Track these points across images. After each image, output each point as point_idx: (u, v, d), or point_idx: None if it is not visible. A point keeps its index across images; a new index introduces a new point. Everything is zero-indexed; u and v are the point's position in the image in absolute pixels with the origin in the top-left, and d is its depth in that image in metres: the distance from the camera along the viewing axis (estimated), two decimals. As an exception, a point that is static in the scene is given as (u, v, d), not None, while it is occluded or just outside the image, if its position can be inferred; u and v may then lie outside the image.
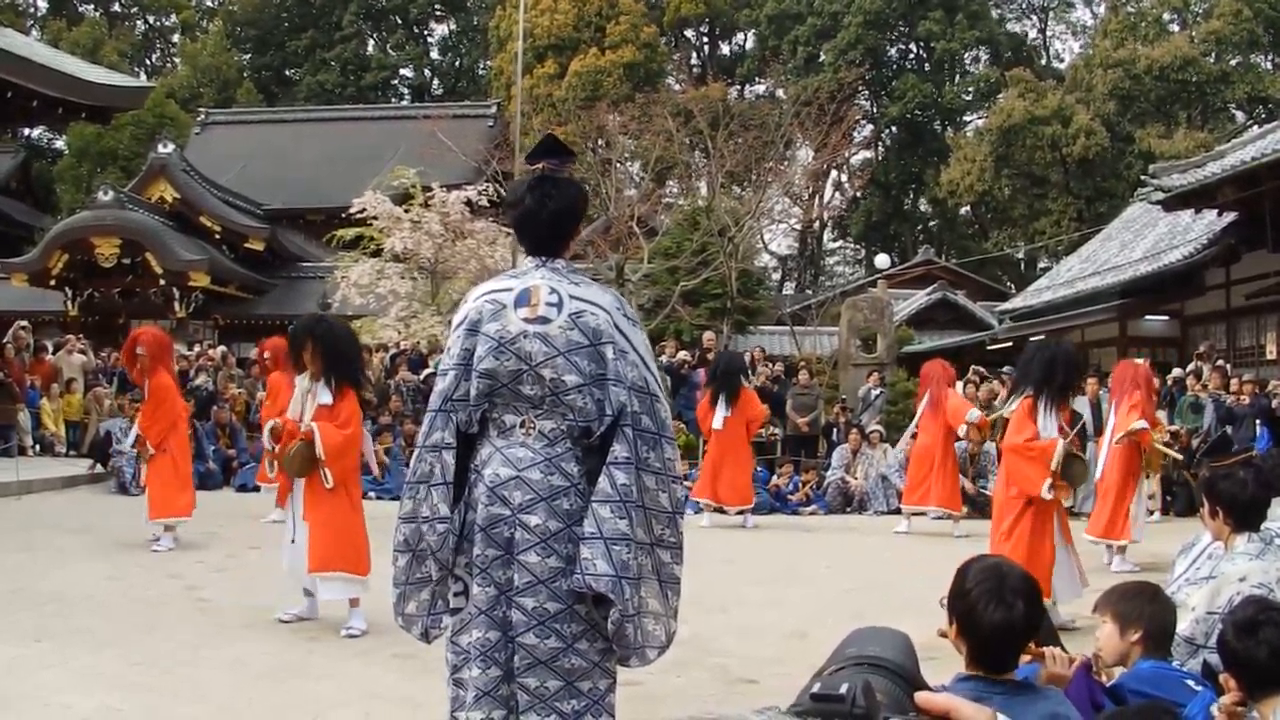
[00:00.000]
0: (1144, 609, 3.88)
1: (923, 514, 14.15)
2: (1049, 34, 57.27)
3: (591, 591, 3.52)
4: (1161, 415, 16.63)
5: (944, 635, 2.99)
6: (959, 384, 19.71)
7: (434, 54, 61.86)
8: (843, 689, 1.20)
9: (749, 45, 54.75)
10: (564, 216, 3.83)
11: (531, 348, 3.62)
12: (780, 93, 40.48)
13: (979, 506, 15.94)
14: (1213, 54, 41.38)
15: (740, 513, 14.39)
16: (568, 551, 3.55)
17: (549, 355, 3.61)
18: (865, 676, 1.32)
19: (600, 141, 28.63)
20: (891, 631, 1.59)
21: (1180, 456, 14.59)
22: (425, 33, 61.42)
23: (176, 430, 11.26)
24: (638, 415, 3.61)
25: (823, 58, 46.51)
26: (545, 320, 3.64)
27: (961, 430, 14.05)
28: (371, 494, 13.97)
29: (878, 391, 19.75)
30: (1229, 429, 16.60)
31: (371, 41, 59.17)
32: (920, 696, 1.39)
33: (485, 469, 3.65)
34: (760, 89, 50.96)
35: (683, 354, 20.62)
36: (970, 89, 51.03)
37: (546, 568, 3.54)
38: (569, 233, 3.91)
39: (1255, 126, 31.39)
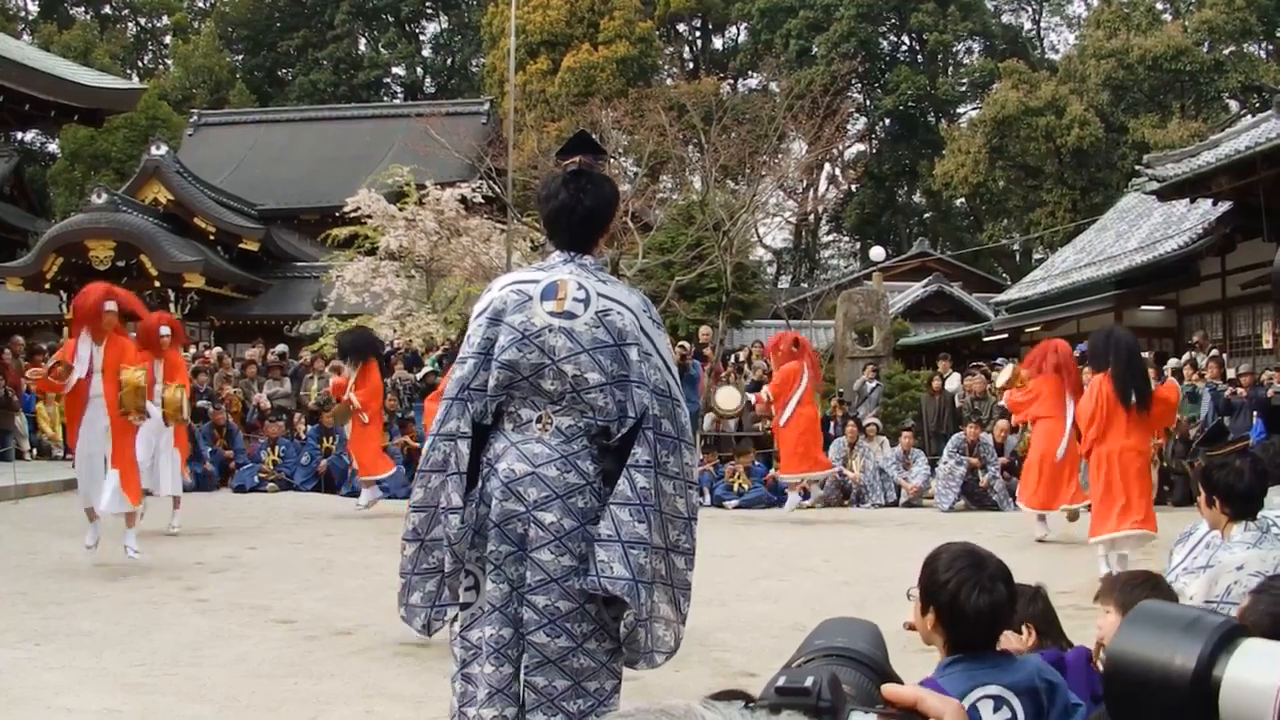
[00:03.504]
0: (1147, 599, 3.87)
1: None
2: (1043, 25, 57.31)
3: (606, 594, 3.50)
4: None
5: (911, 628, 2.99)
6: (956, 375, 19.80)
7: (426, 52, 61.81)
8: (808, 681, 1.18)
9: (741, 39, 54.72)
10: (599, 213, 3.81)
11: (556, 342, 3.59)
12: (773, 86, 40.37)
13: (976, 498, 16.00)
14: (1206, 43, 41.36)
15: None
16: (581, 550, 3.53)
17: (573, 351, 3.58)
18: (832, 668, 1.30)
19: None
20: (860, 622, 1.58)
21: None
22: (417, 31, 61.35)
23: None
24: (659, 419, 3.58)
25: (815, 51, 46.50)
26: (571, 315, 3.61)
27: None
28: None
29: (873, 384, 19.76)
30: (1226, 419, 16.63)
31: (363, 40, 59.15)
32: (887, 689, 1.38)
33: (499, 463, 3.61)
34: (753, 82, 50.92)
35: (681, 346, 20.63)
36: (964, 81, 51.04)
37: (560, 566, 3.52)
38: (602, 229, 3.89)
39: (1249, 115, 31.33)
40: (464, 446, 3.65)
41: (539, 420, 3.63)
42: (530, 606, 3.53)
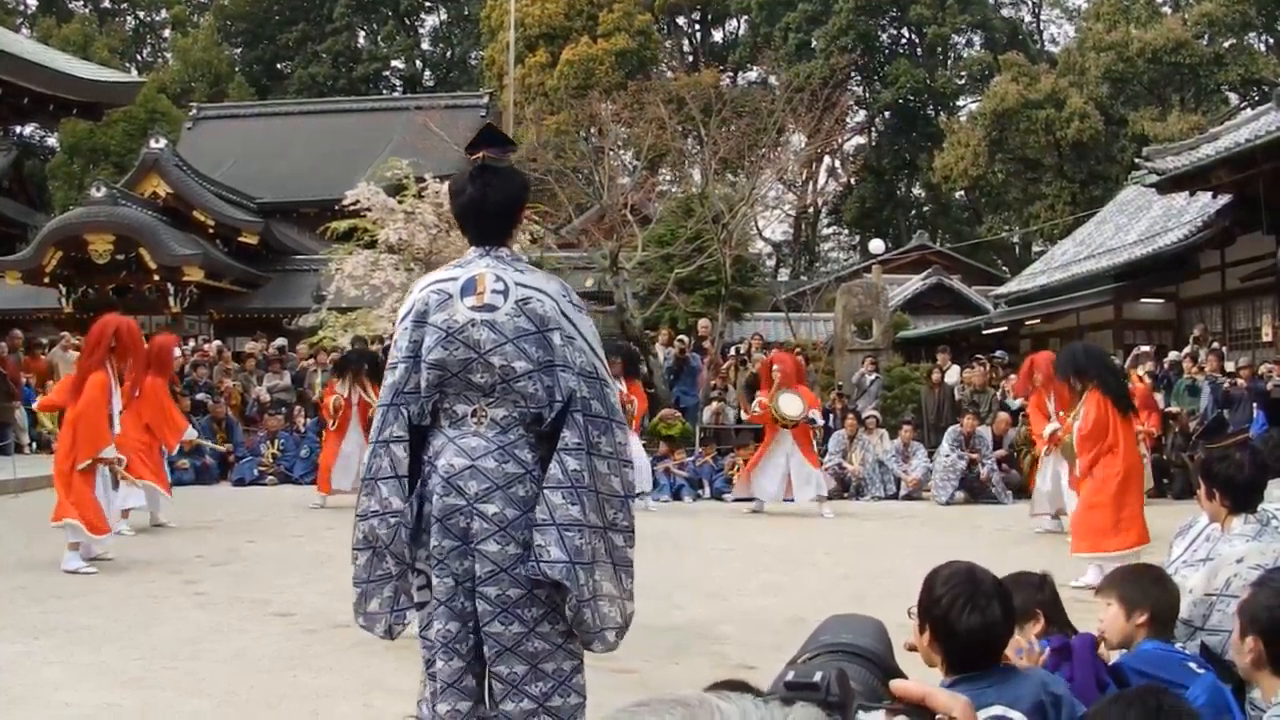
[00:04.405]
0: (1150, 591, 3.88)
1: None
2: (1042, 18, 57.24)
3: (546, 579, 3.54)
4: (1159, 398, 16.71)
5: (912, 649, 2.97)
6: (956, 368, 19.82)
7: (425, 45, 61.84)
8: (816, 677, 1.18)
9: (741, 32, 54.66)
10: (507, 206, 3.84)
11: (480, 336, 3.62)
12: (773, 79, 40.36)
13: (975, 491, 15.99)
14: (1205, 36, 41.30)
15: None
16: (525, 538, 3.57)
17: (498, 343, 3.62)
18: (840, 664, 1.31)
19: (593, 130, 28.57)
20: (866, 618, 1.59)
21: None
22: (416, 24, 61.34)
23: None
24: (587, 400, 3.63)
25: (815, 44, 46.45)
26: (492, 308, 3.65)
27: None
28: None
29: (872, 377, 19.75)
30: (1225, 411, 16.63)
31: (362, 33, 59.07)
32: (895, 685, 1.39)
33: (439, 459, 3.65)
34: (753, 75, 50.89)
35: (679, 340, 20.65)
36: (963, 74, 50.97)
37: (506, 555, 3.56)
38: (512, 221, 3.92)
39: (1249, 108, 31.32)
40: (399, 450, 3.71)
41: (474, 414, 3.67)
42: (483, 598, 3.58)
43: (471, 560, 3.59)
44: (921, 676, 1.64)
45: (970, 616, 2.82)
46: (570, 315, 3.71)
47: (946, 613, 2.83)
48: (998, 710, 2.75)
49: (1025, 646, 3.37)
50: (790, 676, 1.21)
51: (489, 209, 3.80)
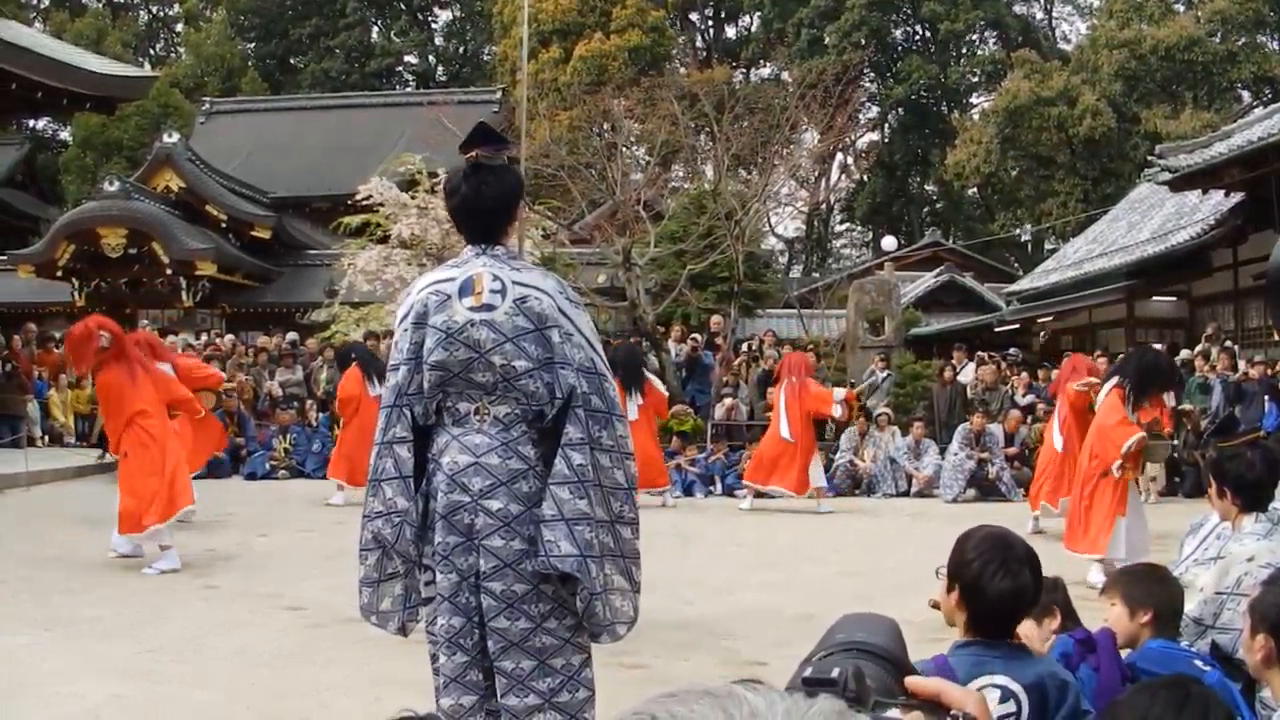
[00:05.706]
0: (1153, 590, 3.89)
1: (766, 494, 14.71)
2: (1055, 15, 57.09)
3: (557, 573, 3.57)
4: (1169, 397, 16.66)
5: (935, 606, 3.01)
6: (970, 365, 19.78)
7: (438, 40, 61.79)
8: (834, 673, 1.20)
9: (753, 28, 54.63)
10: (502, 204, 3.86)
11: (480, 336, 3.65)
12: (785, 75, 40.28)
13: (984, 489, 15.96)
14: (1218, 34, 41.12)
15: (660, 494, 14.36)
16: (530, 533, 3.60)
17: (498, 342, 3.65)
18: (855, 661, 1.32)
19: (606, 126, 28.55)
20: (879, 617, 1.60)
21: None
22: (429, 19, 61.32)
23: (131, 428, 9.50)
24: (587, 395, 3.65)
25: (827, 40, 46.33)
26: (491, 308, 3.67)
27: (837, 411, 14.57)
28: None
29: (884, 374, 19.72)
30: (1237, 409, 16.57)
31: (375, 28, 59.10)
32: (910, 681, 1.40)
33: (443, 457, 3.69)
34: (765, 72, 50.82)
35: (692, 339, 20.66)
36: (976, 70, 50.85)
37: (511, 551, 3.59)
38: (507, 220, 3.94)
39: (1261, 106, 31.24)
40: (403, 451, 3.74)
41: (476, 412, 3.71)
42: (488, 593, 3.61)
43: (476, 556, 3.62)
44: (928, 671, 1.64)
45: (1002, 581, 2.86)
46: (568, 311, 3.73)
47: (978, 576, 2.88)
48: (1002, 680, 2.81)
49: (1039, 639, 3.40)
50: (808, 672, 1.22)
51: (484, 207, 3.81)
